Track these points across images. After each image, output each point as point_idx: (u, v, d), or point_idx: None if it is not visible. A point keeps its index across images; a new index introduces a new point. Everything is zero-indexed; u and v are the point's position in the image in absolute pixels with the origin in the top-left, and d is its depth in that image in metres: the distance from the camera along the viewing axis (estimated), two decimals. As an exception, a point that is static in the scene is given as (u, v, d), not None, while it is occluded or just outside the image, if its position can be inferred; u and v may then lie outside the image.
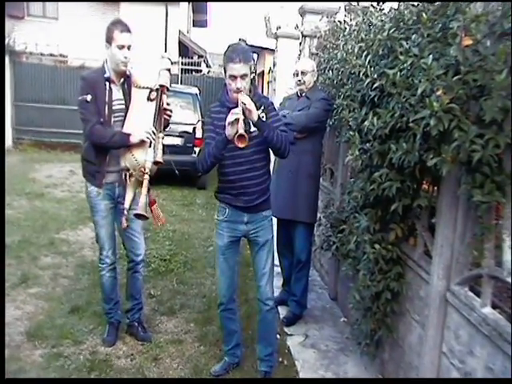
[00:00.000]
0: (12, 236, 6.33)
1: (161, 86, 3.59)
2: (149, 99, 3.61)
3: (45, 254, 5.95)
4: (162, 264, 5.81)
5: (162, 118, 3.65)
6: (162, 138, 3.64)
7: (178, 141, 10.19)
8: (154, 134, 3.55)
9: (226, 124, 3.12)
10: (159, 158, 3.56)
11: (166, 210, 8.57)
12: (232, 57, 3.17)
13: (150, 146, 3.53)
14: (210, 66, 23.11)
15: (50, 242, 6.34)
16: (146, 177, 3.56)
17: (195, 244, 6.81)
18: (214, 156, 3.26)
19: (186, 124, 10.23)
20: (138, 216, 3.54)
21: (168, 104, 3.70)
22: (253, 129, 3.25)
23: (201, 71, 18.60)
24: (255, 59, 17.63)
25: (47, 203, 8.39)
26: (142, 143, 3.54)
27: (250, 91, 3.31)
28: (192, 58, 19.72)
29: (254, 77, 3.36)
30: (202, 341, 4.15)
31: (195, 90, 11.57)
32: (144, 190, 3.54)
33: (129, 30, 3.61)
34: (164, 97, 3.63)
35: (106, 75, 3.66)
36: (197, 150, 10.10)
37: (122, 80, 3.73)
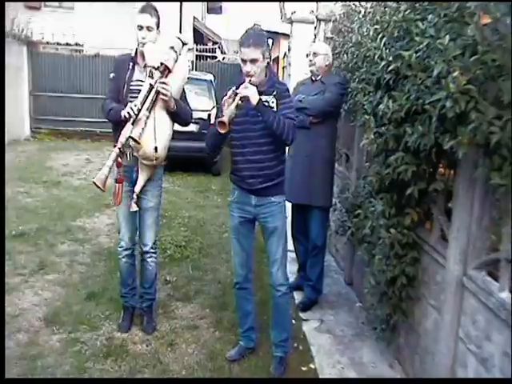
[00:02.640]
0: (30, 224, 6.41)
1: (161, 64, 3.56)
2: (149, 77, 3.56)
3: (62, 241, 6.00)
4: (178, 250, 5.83)
5: (152, 97, 3.54)
6: (147, 118, 3.54)
7: (192, 127, 10.15)
8: (139, 110, 3.49)
9: (223, 105, 3.19)
10: (134, 135, 3.48)
11: (181, 196, 8.64)
12: (243, 41, 3.20)
13: (128, 121, 3.50)
14: (224, 53, 23.00)
15: (67, 230, 6.39)
16: (116, 150, 3.53)
17: (210, 230, 6.83)
18: (215, 135, 3.33)
19: (201, 110, 10.20)
20: (94, 183, 3.55)
21: (166, 85, 3.54)
22: None
23: (216, 58, 18.53)
24: (270, 44, 17.52)
25: (64, 191, 8.46)
26: (138, 121, 3.51)
27: (265, 75, 3.33)
28: (207, 44, 19.70)
29: (268, 62, 3.32)
30: (218, 326, 4.17)
31: (210, 77, 11.56)
32: (109, 162, 3.51)
33: (148, 12, 3.63)
34: (156, 74, 3.54)
35: (131, 55, 3.75)
36: (212, 136, 10.07)
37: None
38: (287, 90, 3.46)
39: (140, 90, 3.62)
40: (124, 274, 4.06)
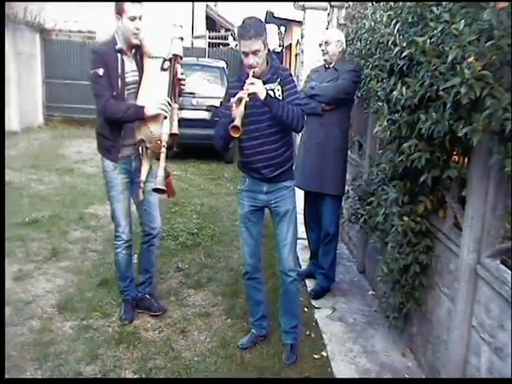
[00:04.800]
0: (43, 211, 6.45)
1: (174, 55, 3.52)
2: (162, 69, 3.52)
3: (74, 228, 6.04)
4: (190, 237, 5.85)
5: (176, 89, 3.58)
6: (178, 109, 3.57)
7: (205, 115, 10.17)
8: (170, 105, 3.48)
9: (231, 107, 3.12)
10: (175, 130, 3.49)
11: (193, 184, 8.66)
12: (243, 33, 3.13)
13: (165, 118, 3.46)
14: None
15: (80, 217, 6.43)
16: (163, 149, 3.47)
17: (223, 217, 6.83)
18: (224, 138, 3.32)
19: (214, 98, 10.18)
20: (156, 190, 3.47)
21: (182, 74, 3.62)
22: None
23: (228, 45, 18.48)
24: (282, 32, 17.41)
25: (76, 179, 8.49)
26: (157, 115, 3.47)
27: (267, 63, 3.29)
28: (219, 31, 19.63)
29: (269, 49, 3.27)
30: (230, 314, 4.18)
31: (222, 64, 11.52)
32: (162, 163, 3.45)
33: (139, 1, 3.52)
34: (178, 66, 3.55)
35: (117, 47, 3.58)
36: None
37: (134, 51, 3.65)
38: (290, 75, 3.43)
39: (135, 81, 3.61)
40: (123, 267, 3.98)
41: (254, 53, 3.15)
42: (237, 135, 3.03)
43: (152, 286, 4.19)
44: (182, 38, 3.61)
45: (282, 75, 3.33)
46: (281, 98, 3.27)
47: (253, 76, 3.16)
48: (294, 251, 3.55)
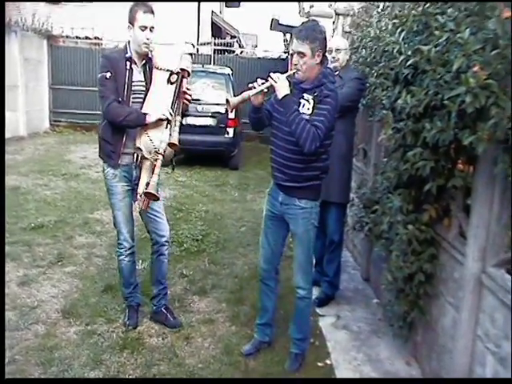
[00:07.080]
0: (48, 216, 6.48)
1: (182, 69, 3.55)
2: (169, 82, 3.56)
3: (79, 233, 6.05)
4: (194, 244, 5.85)
5: (180, 102, 3.63)
6: (180, 122, 3.62)
7: (210, 121, 10.20)
8: (171, 115, 3.52)
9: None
10: (174, 140, 3.51)
11: (198, 190, 8.66)
12: (294, 32, 3.21)
13: (166, 127, 3.50)
14: (242, 47, 22.99)
15: (85, 222, 6.45)
16: (160, 157, 3.51)
17: (227, 224, 6.83)
18: (249, 116, 3.41)
19: (219, 104, 10.21)
20: (148, 195, 3.48)
21: (188, 89, 3.67)
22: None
23: (234, 52, 18.53)
24: (288, 39, 17.42)
25: (82, 184, 8.52)
26: (157, 124, 3.51)
27: (317, 76, 3.25)
28: (225, 38, 19.69)
29: (321, 60, 3.21)
30: (234, 321, 4.17)
31: (228, 71, 11.54)
32: (157, 169, 3.50)
33: (152, 12, 3.56)
34: (184, 81, 3.59)
35: (127, 55, 3.62)
36: (229, 130, 10.12)
37: (144, 62, 3.68)
38: (328, 96, 3.18)
39: (141, 91, 3.65)
40: (127, 273, 3.97)
41: (298, 54, 3.16)
42: (229, 108, 3.34)
43: (167, 299, 4.15)
44: (191, 55, 3.67)
45: (322, 93, 3.18)
46: (310, 112, 3.17)
47: (291, 79, 3.20)
48: (304, 272, 3.49)
